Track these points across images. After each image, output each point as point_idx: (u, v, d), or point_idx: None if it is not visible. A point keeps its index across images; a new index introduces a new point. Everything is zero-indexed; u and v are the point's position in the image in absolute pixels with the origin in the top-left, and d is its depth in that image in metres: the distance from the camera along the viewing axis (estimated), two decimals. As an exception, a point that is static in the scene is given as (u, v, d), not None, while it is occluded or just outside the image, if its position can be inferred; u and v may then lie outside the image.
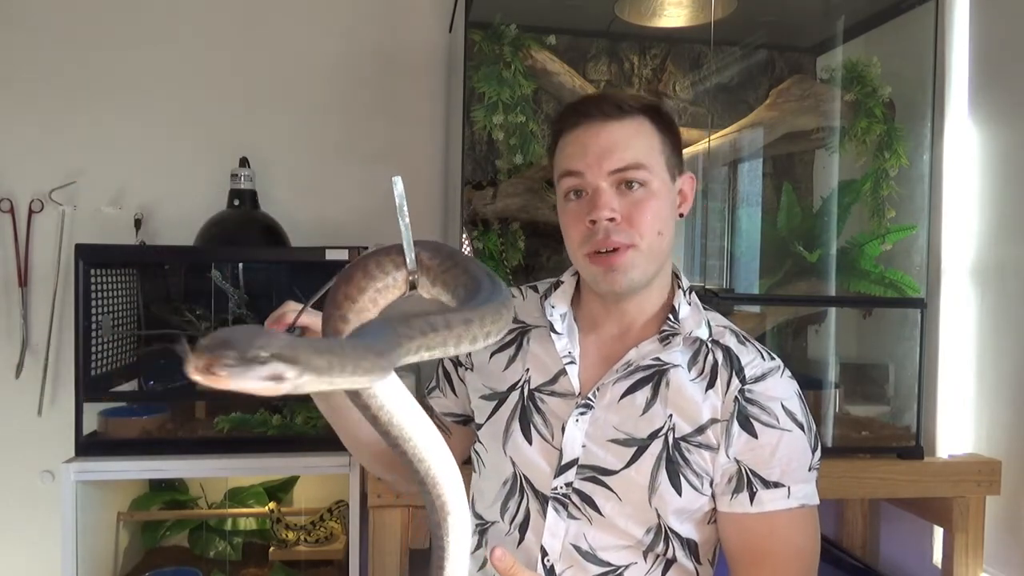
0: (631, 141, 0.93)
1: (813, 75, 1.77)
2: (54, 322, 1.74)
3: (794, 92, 1.63)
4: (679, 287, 1.01)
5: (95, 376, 1.51)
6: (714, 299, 1.43)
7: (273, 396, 0.42)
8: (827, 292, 1.61)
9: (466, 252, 1.52)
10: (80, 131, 1.76)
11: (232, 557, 1.74)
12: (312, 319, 0.83)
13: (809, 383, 1.64)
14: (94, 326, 1.50)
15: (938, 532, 1.61)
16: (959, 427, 1.55)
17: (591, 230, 0.93)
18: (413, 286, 0.58)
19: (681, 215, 1.00)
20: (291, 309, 0.86)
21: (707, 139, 1.57)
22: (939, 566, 1.60)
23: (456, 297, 0.56)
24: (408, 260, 0.57)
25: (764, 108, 1.64)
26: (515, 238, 1.52)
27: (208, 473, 1.59)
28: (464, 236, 1.51)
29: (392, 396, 0.57)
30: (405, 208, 0.57)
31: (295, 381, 0.41)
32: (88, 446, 1.48)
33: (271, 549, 1.71)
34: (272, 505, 1.71)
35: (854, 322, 1.72)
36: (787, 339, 1.75)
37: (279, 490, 1.79)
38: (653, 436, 0.94)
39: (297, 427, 1.58)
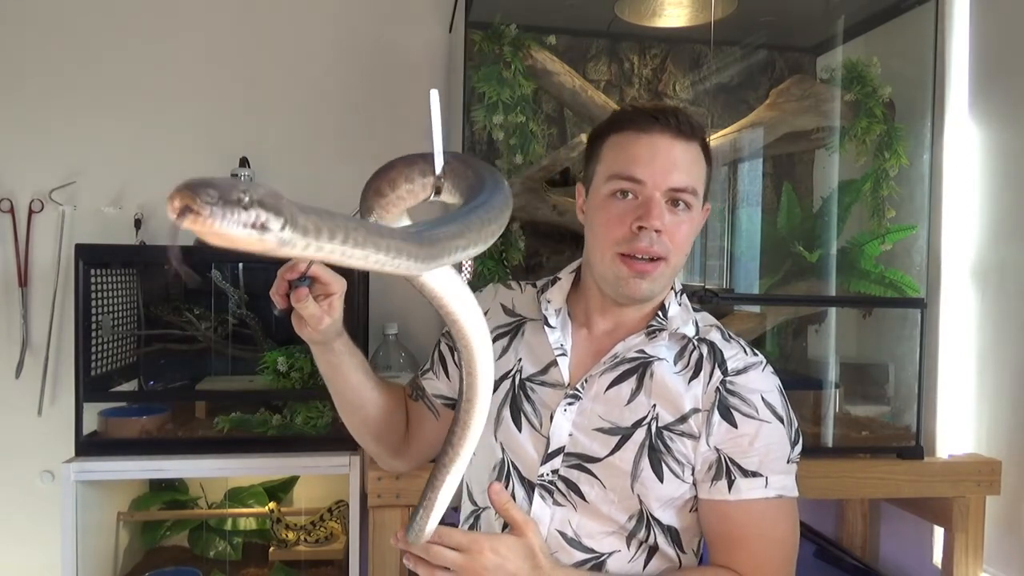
0: (693, 164, 0.98)
1: (813, 75, 1.77)
2: (54, 322, 1.74)
3: (794, 92, 1.63)
4: (671, 289, 1.05)
5: (95, 376, 1.51)
6: (714, 299, 1.44)
7: (255, 252, 0.40)
8: (827, 292, 1.61)
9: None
10: (80, 131, 1.76)
11: (232, 557, 1.74)
12: (323, 269, 0.86)
13: (809, 383, 1.65)
14: (94, 326, 1.50)
15: (938, 532, 1.61)
16: (959, 427, 1.55)
17: (634, 234, 0.95)
18: (438, 191, 0.62)
19: None
20: (304, 258, 0.89)
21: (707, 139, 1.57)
22: (939, 566, 1.60)
23: (464, 198, 0.61)
24: (437, 166, 0.61)
25: (764, 108, 1.64)
26: (515, 238, 1.52)
27: (208, 473, 1.59)
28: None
29: (441, 284, 0.63)
30: (439, 119, 0.61)
31: (279, 235, 0.40)
32: (88, 446, 1.48)
33: (271, 549, 1.71)
34: (272, 505, 1.71)
35: (854, 322, 1.72)
36: (787, 339, 1.75)
37: (279, 490, 1.79)
38: (637, 425, 0.98)
39: (297, 427, 1.58)
